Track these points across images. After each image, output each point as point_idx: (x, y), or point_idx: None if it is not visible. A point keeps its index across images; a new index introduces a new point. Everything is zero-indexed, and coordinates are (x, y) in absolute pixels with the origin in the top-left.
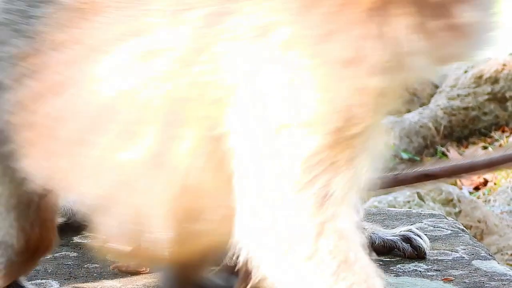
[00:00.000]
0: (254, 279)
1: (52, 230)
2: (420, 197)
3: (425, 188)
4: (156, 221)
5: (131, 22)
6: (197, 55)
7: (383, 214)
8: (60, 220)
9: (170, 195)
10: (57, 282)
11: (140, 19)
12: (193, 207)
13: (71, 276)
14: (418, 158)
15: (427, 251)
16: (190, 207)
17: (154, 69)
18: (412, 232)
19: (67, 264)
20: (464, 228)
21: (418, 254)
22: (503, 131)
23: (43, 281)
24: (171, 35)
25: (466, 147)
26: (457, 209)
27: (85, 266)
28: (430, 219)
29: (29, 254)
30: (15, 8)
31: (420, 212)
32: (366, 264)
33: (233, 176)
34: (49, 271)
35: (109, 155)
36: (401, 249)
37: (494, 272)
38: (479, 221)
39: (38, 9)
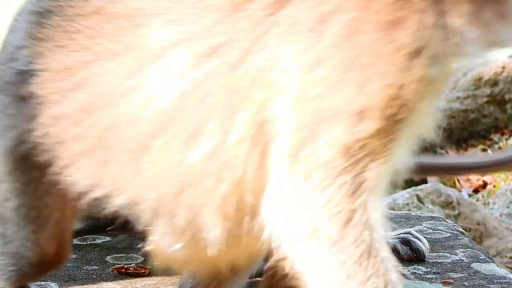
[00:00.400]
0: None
1: (67, 244)
2: (419, 200)
3: (424, 190)
4: (213, 221)
5: (186, 21)
6: (254, 45)
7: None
8: None
9: (229, 191)
10: (56, 284)
11: (195, 16)
12: (247, 203)
13: (70, 278)
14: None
15: (426, 254)
16: (245, 204)
17: (214, 62)
18: (411, 234)
19: (67, 266)
20: (464, 231)
21: (417, 257)
22: (502, 134)
23: (43, 283)
24: (229, 28)
25: (465, 149)
26: (456, 212)
27: (84, 268)
28: (429, 222)
29: (42, 266)
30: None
31: (419, 214)
32: (387, 258)
33: (271, 159)
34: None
35: (170, 157)
36: (400, 251)
37: (493, 275)
38: (478, 224)
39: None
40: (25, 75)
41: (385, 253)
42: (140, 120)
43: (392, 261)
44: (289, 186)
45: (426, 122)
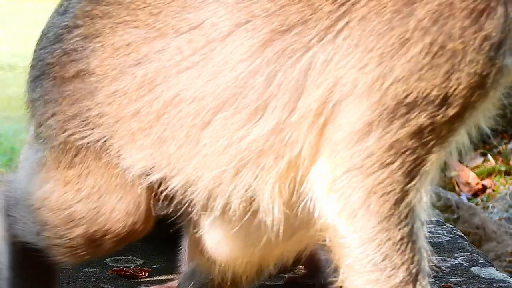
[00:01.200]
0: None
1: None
2: None
3: None
4: (271, 203)
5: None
6: (333, 25)
7: None
8: None
9: (285, 169)
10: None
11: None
12: (300, 182)
13: (69, 280)
14: None
15: None
16: (298, 183)
17: (288, 41)
18: None
19: (66, 268)
20: (463, 235)
21: None
22: (502, 138)
23: None
24: (307, 7)
25: (465, 153)
26: (455, 216)
27: (83, 270)
28: (428, 226)
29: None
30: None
31: None
32: (423, 247)
33: (331, 136)
34: None
35: (232, 133)
36: None
37: (492, 279)
38: (477, 228)
39: None
40: (74, 55)
41: (423, 242)
42: (204, 95)
43: (427, 251)
44: (348, 162)
45: (488, 112)
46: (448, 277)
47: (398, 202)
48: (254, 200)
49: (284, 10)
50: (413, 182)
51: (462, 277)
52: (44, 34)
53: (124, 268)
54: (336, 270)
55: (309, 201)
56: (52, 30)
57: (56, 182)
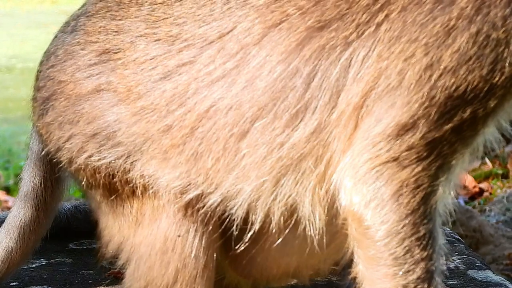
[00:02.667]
0: None
1: None
2: None
3: None
4: (312, 210)
5: None
6: (372, 17)
7: None
8: (55, 226)
9: (323, 172)
10: None
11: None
12: (333, 182)
13: (66, 283)
14: None
15: None
16: (331, 183)
17: (325, 37)
18: None
19: (63, 271)
20: (460, 238)
21: None
22: (499, 141)
23: (39, 287)
24: (342, 1)
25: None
26: (452, 219)
27: (80, 272)
28: None
29: None
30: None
31: None
32: (442, 246)
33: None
34: (44, 277)
35: (272, 140)
36: None
37: (489, 282)
38: (474, 231)
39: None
40: (89, 70)
41: (442, 240)
42: (240, 103)
43: (444, 250)
44: (386, 154)
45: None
46: (445, 280)
47: (427, 196)
48: (295, 210)
49: (319, 6)
50: (444, 177)
51: (459, 280)
52: (51, 53)
53: (121, 271)
54: (352, 261)
55: (337, 193)
56: (62, 48)
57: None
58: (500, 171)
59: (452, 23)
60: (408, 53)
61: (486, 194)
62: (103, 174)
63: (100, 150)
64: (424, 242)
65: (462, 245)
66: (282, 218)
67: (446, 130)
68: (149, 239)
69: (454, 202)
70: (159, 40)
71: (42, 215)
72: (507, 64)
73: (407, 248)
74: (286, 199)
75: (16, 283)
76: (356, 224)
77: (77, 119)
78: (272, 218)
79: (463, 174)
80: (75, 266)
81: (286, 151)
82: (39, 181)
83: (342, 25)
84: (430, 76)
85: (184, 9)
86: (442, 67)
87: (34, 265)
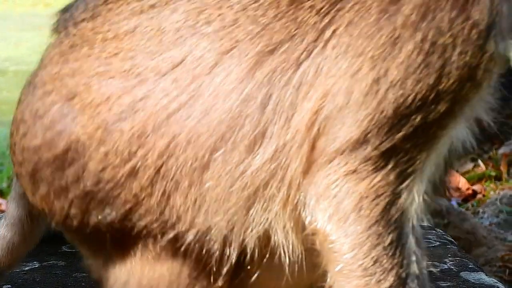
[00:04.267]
0: None
1: None
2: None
3: None
4: (286, 236)
5: (241, 23)
6: (320, 35)
7: None
8: (48, 229)
9: (287, 194)
10: None
11: (250, 17)
12: (297, 200)
13: (59, 285)
14: None
15: None
16: (296, 201)
17: (276, 60)
18: None
19: (56, 273)
20: (453, 240)
21: None
22: (492, 143)
23: None
24: (290, 22)
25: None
26: (445, 221)
27: (73, 275)
28: None
29: None
30: None
31: None
32: (413, 251)
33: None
34: (37, 280)
35: (233, 169)
36: None
37: (482, 284)
38: (468, 233)
39: None
40: (56, 127)
41: (413, 245)
42: (198, 135)
43: (417, 255)
44: (343, 169)
45: (487, 104)
46: (438, 282)
47: (389, 205)
48: (269, 237)
49: (268, 30)
50: (405, 183)
51: (452, 282)
52: (19, 121)
53: None
54: (324, 275)
55: (303, 210)
56: (27, 111)
57: None
58: (493, 173)
59: (397, 32)
60: (355, 68)
61: (479, 196)
62: (110, 228)
63: (101, 209)
64: (392, 251)
65: (455, 247)
66: (258, 247)
67: (399, 139)
68: (137, 277)
69: (447, 204)
70: (112, 77)
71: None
72: (453, 69)
73: (375, 258)
74: (259, 228)
75: (9, 286)
76: (322, 240)
77: (66, 183)
78: (249, 249)
79: (455, 176)
80: (68, 269)
81: (250, 179)
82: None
83: (292, 46)
84: (378, 90)
85: (135, 41)
86: (389, 80)
87: (26, 268)
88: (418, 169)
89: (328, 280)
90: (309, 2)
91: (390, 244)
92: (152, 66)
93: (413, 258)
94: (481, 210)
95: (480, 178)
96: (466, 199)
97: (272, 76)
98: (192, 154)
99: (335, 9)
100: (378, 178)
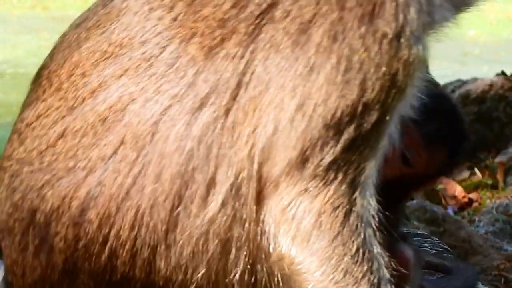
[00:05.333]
0: None
1: None
2: (405, 216)
3: (410, 207)
4: (269, 271)
5: (165, 87)
6: (241, 80)
7: None
8: None
9: (250, 228)
10: None
11: (172, 80)
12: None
13: None
14: None
15: None
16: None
17: (207, 112)
18: None
19: None
20: (449, 248)
21: None
22: (489, 152)
23: None
24: (210, 74)
25: None
26: (441, 229)
27: None
28: (415, 239)
29: None
30: None
31: (406, 231)
32: (379, 254)
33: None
34: None
35: (201, 220)
36: None
37: None
38: (463, 241)
39: None
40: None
41: (379, 249)
42: (158, 199)
43: (384, 257)
44: (293, 190)
45: (411, 105)
46: None
47: (347, 214)
48: (255, 278)
49: (192, 87)
50: (358, 190)
51: None
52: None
53: None
54: None
55: (265, 240)
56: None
57: None
58: (489, 182)
59: (312, 59)
60: (277, 99)
61: (475, 204)
62: None
63: None
64: (359, 258)
65: (451, 255)
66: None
67: (340, 152)
68: None
69: (443, 212)
70: (61, 178)
71: None
72: (374, 80)
73: (344, 269)
74: (242, 271)
75: None
76: (289, 264)
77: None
78: None
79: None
80: None
81: (215, 227)
82: None
83: (218, 95)
84: (303, 115)
85: (68, 141)
86: (313, 103)
87: None
88: (368, 174)
89: None
90: (223, 50)
91: (356, 252)
92: (95, 156)
93: (382, 261)
94: (477, 219)
95: (476, 187)
96: (462, 207)
97: (207, 127)
98: (158, 217)
99: (249, 50)
100: (331, 191)
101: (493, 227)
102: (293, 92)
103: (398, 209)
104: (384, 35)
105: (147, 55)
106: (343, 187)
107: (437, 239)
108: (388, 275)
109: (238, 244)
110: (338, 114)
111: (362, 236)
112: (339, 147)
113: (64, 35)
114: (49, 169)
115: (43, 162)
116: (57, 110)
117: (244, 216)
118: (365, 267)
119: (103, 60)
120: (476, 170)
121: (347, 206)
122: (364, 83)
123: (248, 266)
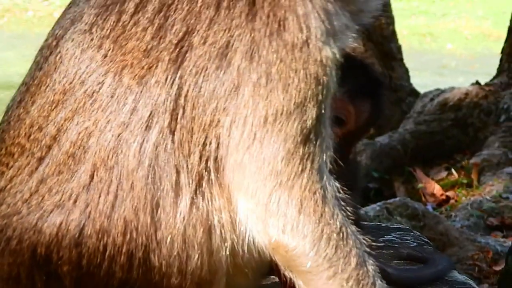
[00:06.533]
0: None
1: None
2: (389, 212)
3: (393, 204)
4: (245, 274)
5: (112, 116)
6: (176, 102)
7: None
8: None
9: (221, 230)
10: None
11: (114, 111)
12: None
13: None
14: (387, 177)
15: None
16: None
17: (155, 131)
18: None
19: None
20: (428, 241)
21: None
22: (464, 154)
23: None
24: (147, 100)
25: (431, 167)
26: (422, 223)
27: None
28: (397, 232)
29: None
30: None
31: (389, 226)
32: (357, 232)
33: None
34: None
35: (179, 218)
36: None
37: (455, 281)
38: (441, 234)
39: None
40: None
41: (353, 228)
42: (137, 205)
43: (359, 234)
44: (267, 187)
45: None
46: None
47: (324, 197)
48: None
49: (135, 113)
50: (325, 175)
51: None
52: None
53: None
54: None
55: (254, 240)
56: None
57: None
58: (465, 181)
59: (236, 81)
60: (215, 120)
61: (452, 201)
62: None
63: None
64: (344, 233)
65: (430, 247)
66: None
67: (296, 147)
68: None
69: (423, 208)
70: (51, 211)
71: None
72: (297, 82)
73: (334, 245)
74: (236, 277)
75: None
76: (283, 252)
77: None
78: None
79: (430, 183)
80: None
81: (185, 232)
82: None
83: (159, 117)
84: (237, 127)
85: (46, 188)
86: (244, 116)
87: None
88: (327, 160)
89: (301, 284)
90: (153, 78)
91: (340, 229)
92: (76, 185)
93: (360, 237)
94: (453, 214)
95: (453, 185)
96: (440, 204)
97: (158, 145)
98: (143, 221)
99: (178, 76)
100: (305, 180)
101: (468, 221)
102: (225, 111)
103: (354, 187)
104: (294, 45)
105: (89, 92)
106: (314, 174)
107: (417, 233)
108: (368, 250)
109: (226, 248)
110: (271, 119)
111: (340, 215)
112: (289, 143)
113: (7, 111)
114: (38, 209)
115: (31, 207)
116: (28, 165)
117: (220, 218)
118: (351, 242)
119: (53, 109)
120: (453, 170)
121: (321, 191)
122: (287, 88)
123: (245, 269)
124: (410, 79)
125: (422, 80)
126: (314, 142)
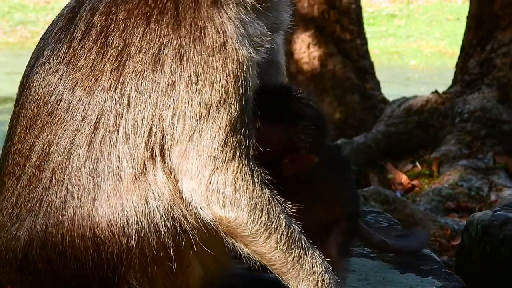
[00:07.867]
0: None
1: None
2: (365, 198)
3: (369, 191)
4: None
5: (71, 123)
6: (122, 103)
7: None
8: None
9: (192, 211)
10: None
11: (72, 122)
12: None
13: None
14: (363, 170)
15: None
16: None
17: (101, 131)
18: None
19: None
20: (397, 221)
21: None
22: (426, 150)
23: None
24: (95, 106)
25: (399, 161)
26: (392, 207)
27: None
28: (372, 215)
29: None
30: None
31: (365, 209)
32: (285, 209)
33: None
34: None
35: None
36: None
37: (420, 254)
38: (408, 216)
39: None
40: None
41: (279, 197)
42: (98, 188)
43: (283, 203)
44: (207, 170)
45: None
46: (384, 254)
47: (254, 176)
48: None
49: (85, 119)
50: (250, 158)
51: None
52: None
53: None
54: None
55: (201, 214)
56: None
57: None
58: (427, 172)
59: (170, 80)
60: (157, 114)
61: (417, 189)
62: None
63: None
64: (272, 201)
65: (399, 226)
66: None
67: (226, 136)
68: None
69: (393, 195)
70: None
71: None
72: (220, 79)
73: (267, 213)
74: (205, 258)
75: None
76: (227, 223)
77: None
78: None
79: (398, 174)
80: None
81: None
82: None
83: (106, 118)
84: (178, 120)
85: (24, 193)
86: (182, 109)
87: None
88: (251, 146)
89: (244, 249)
90: (99, 87)
91: (269, 199)
92: (40, 190)
93: (283, 204)
94: (418, 199)
95: (417, 176)
96: (407, 191)
97: (104, 140)
98: (87, 206)
99: (120, 82)
100: (236, 163)
101: (430, 205)
102: (165, 106)
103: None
104: (214, 48)
105: (50, 110)
106: (243, 158)
107: (389, 215)
108: (291, 213)
109: (164, 208)
110: (205, 112)
111: (266, 189)
112: (222, 133)
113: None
114: (17, 219)
115: (13, 219)
116: (12, 186)
117: (162, 192)
118: (278, 208)
119: (27, 132)
120: (417, 163)
121: (251, 171)
122: (213, 85)
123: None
124: (381, 89)
125: (391, 90)
126: (241, 130)
